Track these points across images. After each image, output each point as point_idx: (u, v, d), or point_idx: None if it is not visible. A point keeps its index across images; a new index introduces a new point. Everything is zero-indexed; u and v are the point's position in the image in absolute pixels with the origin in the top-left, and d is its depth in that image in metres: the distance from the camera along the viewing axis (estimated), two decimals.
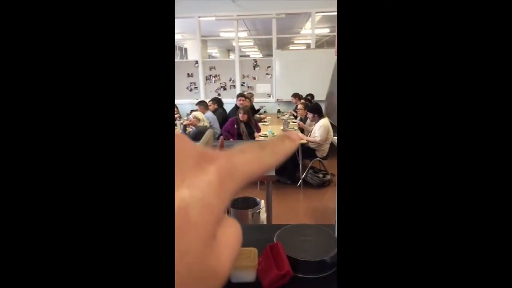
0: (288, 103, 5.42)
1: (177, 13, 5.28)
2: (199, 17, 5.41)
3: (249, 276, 0.67)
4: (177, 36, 7.30)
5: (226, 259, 0.15)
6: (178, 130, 3.72)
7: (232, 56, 10.46)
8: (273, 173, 1.87)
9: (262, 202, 2.17)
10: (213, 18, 5.32)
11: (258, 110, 5.12)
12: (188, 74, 5.77)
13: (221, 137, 0.79)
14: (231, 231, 0.16)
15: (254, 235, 0.94)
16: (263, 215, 2.13)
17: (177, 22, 5.73)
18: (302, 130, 3.87)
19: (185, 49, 9.14)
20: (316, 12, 5.26)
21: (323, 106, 3.86)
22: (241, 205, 2.09)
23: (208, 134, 0.75)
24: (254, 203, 2.15)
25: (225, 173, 0.15)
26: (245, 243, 0.77)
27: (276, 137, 0.18)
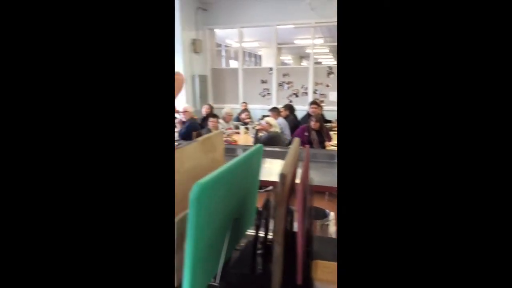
0: None
1: (255, 22, 5.50)
2: (277, 25, 5.54)
3: None
4: (254, 44, 7.58)
5: None
6: (250, 134, 3.85)
7: (304, 63, 10.43)
8: None
9: (332, 214, 2.09)
10: (291, 26, 5.39)
11: (330, 121, 5.00)
12: (262, 80, 5.94)
13: (307, 146, 0.79)
14: None
15: (333, 249, 0.92)
16: (331, 228, 2.05)
17: (254, 30, 5.95)
18: None
19: (260, 56, 9.46)
20: None
21: None
22: None
23: (296, 143, 0.76)
24: (323, 215, 2.08)
25: None
26: (325, 257, 0.76)
27: None
